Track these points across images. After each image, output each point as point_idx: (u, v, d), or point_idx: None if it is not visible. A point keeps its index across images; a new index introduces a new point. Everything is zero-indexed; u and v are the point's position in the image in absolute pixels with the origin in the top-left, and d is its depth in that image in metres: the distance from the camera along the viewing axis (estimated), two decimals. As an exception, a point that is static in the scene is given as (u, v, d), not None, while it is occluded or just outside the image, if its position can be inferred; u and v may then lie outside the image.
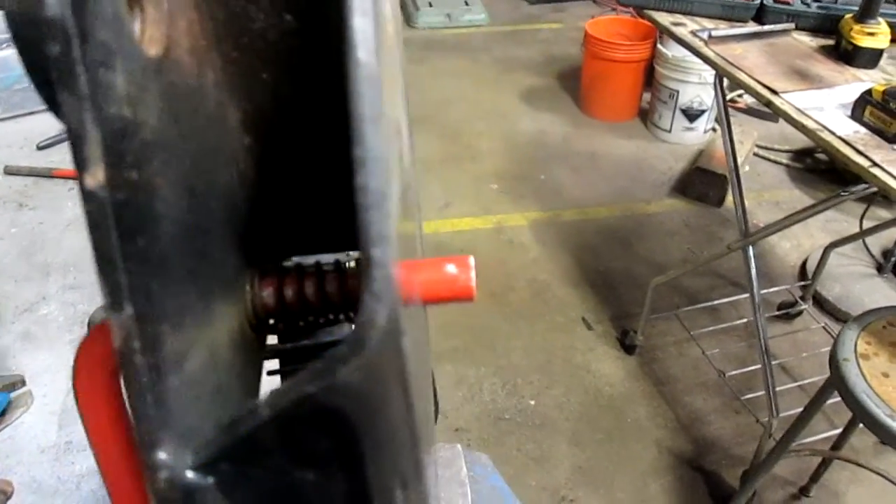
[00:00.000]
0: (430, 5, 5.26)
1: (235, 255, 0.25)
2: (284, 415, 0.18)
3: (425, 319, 0.41)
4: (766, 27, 1.96)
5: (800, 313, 2.74)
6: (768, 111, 2.01)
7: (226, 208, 0.25)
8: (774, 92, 1.69)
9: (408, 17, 5.28)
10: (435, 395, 0.58)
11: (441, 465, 0.56)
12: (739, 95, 4.06)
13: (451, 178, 3.60)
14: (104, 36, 0.19)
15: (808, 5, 1.96)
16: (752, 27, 1.98)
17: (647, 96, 4.00)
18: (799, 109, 1.62)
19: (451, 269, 0.29)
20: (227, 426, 0.19)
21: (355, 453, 0.21)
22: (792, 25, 1.97)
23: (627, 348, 2.62)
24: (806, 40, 1.94)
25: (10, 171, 3.42)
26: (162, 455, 0.19)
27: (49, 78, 0.19)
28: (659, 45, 3.71)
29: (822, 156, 3.66)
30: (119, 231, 0.20)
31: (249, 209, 0.28)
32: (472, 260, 0.30)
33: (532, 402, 2.46)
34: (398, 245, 0.20)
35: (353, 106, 0.16)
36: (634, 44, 3.80)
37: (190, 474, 0.19)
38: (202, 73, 0.24)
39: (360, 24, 0.17)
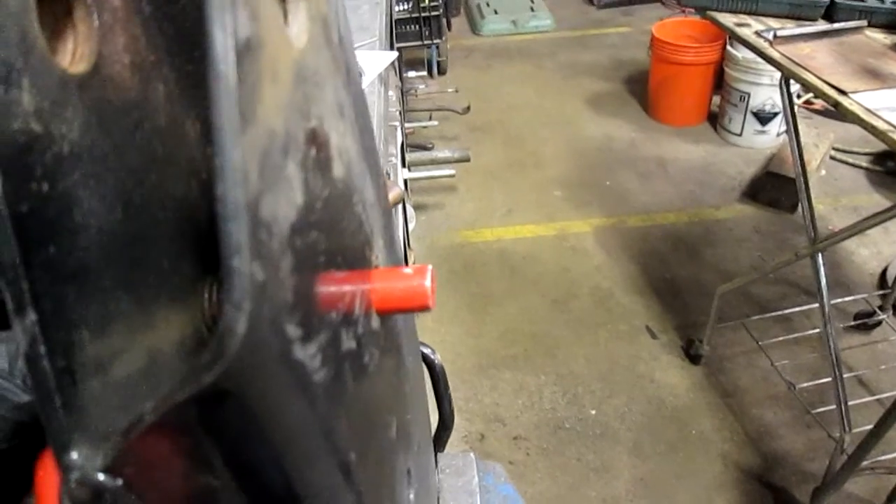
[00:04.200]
0: (496, 13, 5.26)
1: (191, 264, 0.26)
2: (167, 422, 0.19)
3: (401, 328, 0.41)
4: (837, 25, 1.88)
5: (878, 324, 2.61)
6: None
7: (180, 218, 0.25)
8: (843, 92, 1.62)
9: (473, 26, 5.30)
10: (450, 403, 0.58)
11: (452, 473, 0.56)
12: (815, 97, 3.91)
13: (514, 185, 3.58)
14: (4, 55, 0.20)
15: (882, 1, 1.88)
16: (822, 25, 1.90)
17: (716, 100, 3.89)
18: (869, 110, 1.55)
19: (404, 277, 0.29)
20: (124, 431, 0.19)
21: (250, 460, 0.21)
22: (864, 22, 1.88)
23: (693, 358, 2.55)
24: (879, 37, 1.86)
25: None
26: (74, 456, 0.20)
27: None
28: (729, 47, 3.60)
29: (905, 158, 3.49)
30: (23, 241, 0.20)
31: (212, 218, 0.28)
32: (430, 268, 0.30)
33: (593, 412, 2.42)
34: (295, 254, 0.20)
35: (212, 117, 0.17)
36: (703, 46, 3.71)
37: (100, 476, 0.20)
38: (149, 87, 0.24)
39: (219, 37, 0.17)
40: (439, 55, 4.53)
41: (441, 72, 4.62)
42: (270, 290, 0.18)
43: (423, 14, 3.80)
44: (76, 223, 0.23)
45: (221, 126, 0.17)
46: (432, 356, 0.56)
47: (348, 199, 0.27)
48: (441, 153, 3.27)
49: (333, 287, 0.24)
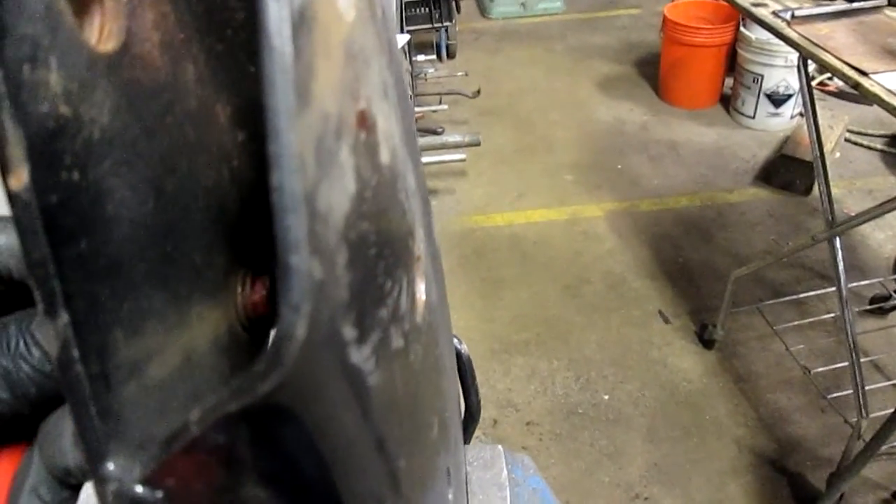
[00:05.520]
0: (505, -5, 5.21)
1: (223, 256, 0.24)
2: (214, 433, 0.17)
3: (439, 321, 0.39)
4: (856, 4, 1.85)
5: (894, 308, 2.58)
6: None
7: (211, 208, 0.24)
8: (863, 73, 1.59)
9: (482, 8, 5.25)
10: (476, 394, 0.57)
11: (480, 466, 0.55)
12: (829, 78, 3.86)
13: (524, 170, 3.56)
14: (30, 30, 0.19)
15: (902, -21, 1.84)
16: (840, 5, 1.87)
17: (729, 82, 3.85)
18: (890, 91, 1.52)
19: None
20: (164, 442, 0.18)
21: (301, 471, 0.20)
22: (884, 1, 1.85)
23: (706, 343, 2.54)
24: (900, 17, 1.82)
25: None
26: (110, 467, 0.19)
27: None
28: (742, 28, 3.56)
29: (921, 140, 3.44)
30: (53, 235, 0.19)
31: (243, 208, 0.27)
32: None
33: (606, 397, 2.41)
34: (349, 248, 0.18)
35: (265, 97, 0.15)
36: (715, 27, 3.66)
37: (139, 488, 0.19)
38: (179, 67, 0.23)
39: (273, 7, 0.15)
40: (449, 38, 4.49)
41: (450, 55, 4.58)
42: (328, 288, 0.17)
43: (432, -3, 3.77)
44: (108, 215, 0.21)
45: (277, 108, 0.15)
46: (459, 346, 0.55)
47: (393, 187, 0.25)
48: (451, 137, 3.25)
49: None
